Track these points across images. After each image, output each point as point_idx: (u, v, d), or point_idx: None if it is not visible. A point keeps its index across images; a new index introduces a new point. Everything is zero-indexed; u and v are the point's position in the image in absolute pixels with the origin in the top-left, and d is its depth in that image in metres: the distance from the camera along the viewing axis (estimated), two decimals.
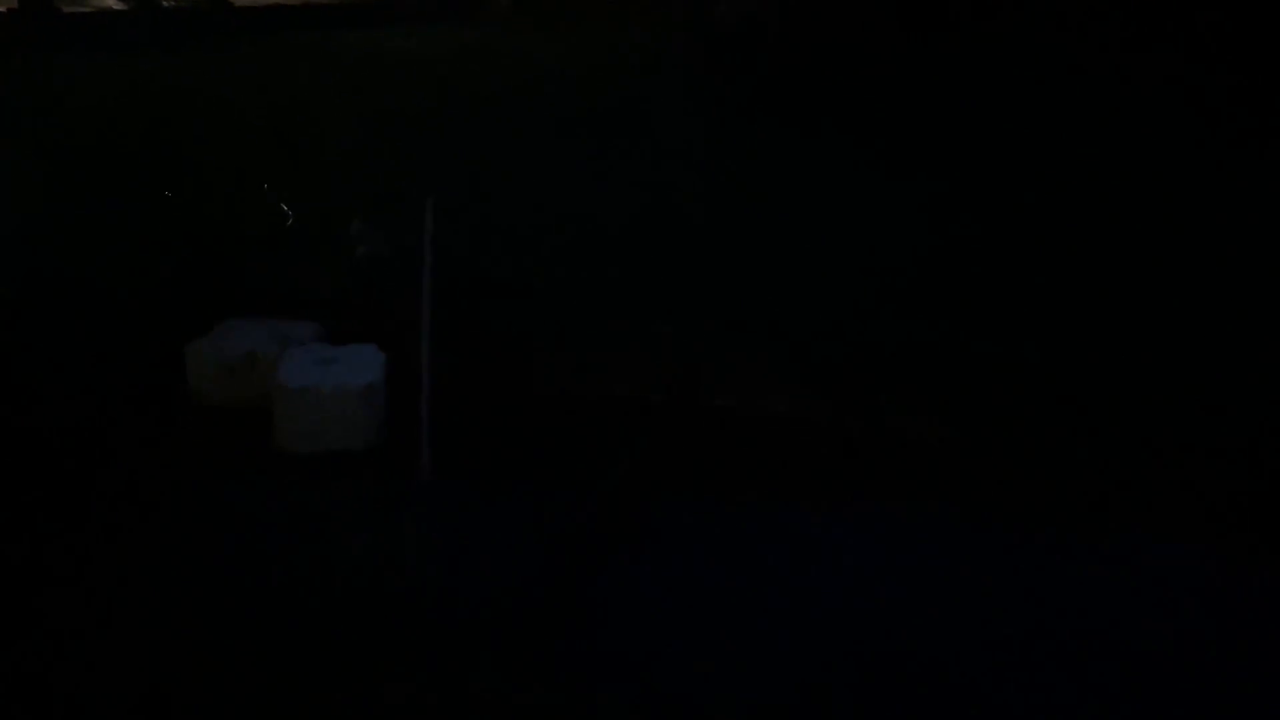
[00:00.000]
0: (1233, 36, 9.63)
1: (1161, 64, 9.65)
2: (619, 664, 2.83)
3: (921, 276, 5.30)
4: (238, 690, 2.64)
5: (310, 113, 9.39)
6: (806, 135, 8.17)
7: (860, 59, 11.20)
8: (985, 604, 3.16)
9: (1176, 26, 10.07)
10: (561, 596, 3.13)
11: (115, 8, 15.14)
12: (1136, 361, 4.55)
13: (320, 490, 3.65)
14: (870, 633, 2.99)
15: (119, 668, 2.71)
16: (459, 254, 4.57)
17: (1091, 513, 3.70)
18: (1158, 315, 4.98)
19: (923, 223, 6.05)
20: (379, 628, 2.89)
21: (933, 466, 3.91)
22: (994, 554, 3.44)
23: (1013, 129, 8.25)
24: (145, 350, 4.24)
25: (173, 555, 3.26)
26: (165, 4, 15.72)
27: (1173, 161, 7.35)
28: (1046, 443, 4.11)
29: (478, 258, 4.99)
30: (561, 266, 5.24)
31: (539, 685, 2.72)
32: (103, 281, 4.74)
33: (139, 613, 2.92)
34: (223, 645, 2.79)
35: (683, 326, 4.69)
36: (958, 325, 4.73)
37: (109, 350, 4.23)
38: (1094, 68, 9.98)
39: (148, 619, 2.89)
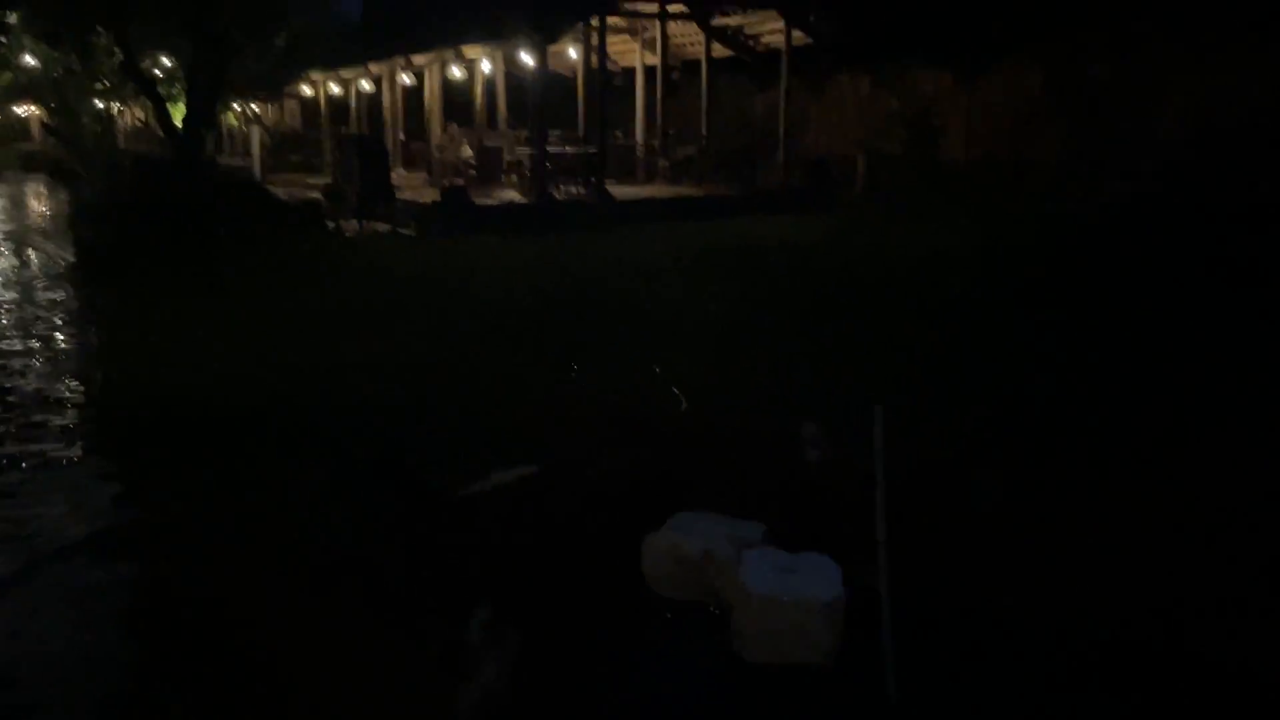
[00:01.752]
0: None
1: None
2: None
3: None
4: None
5: (703, 297, 9.93)
6: None
7: None
8: None
9: None
10: None
11: (519, 201, 17.20)
12: None
13: (788, 703, 3.52)
14: None
15: None
16: (905, 465, 4.40)
17: None
18: None
19: None
20: None
21: None
22: None
23: None
24: (601, 536, 4.38)
25: None
26: (557, 196, 17.64)
27: None
28: None
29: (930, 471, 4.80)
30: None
31: None
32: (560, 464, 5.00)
33: None
34: None
35: None
36: None
37: (569, 531, 4.40)
38: None
39: None
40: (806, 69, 21.23)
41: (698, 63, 22.91)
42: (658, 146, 21.01)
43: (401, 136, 24.16)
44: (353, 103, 26.18)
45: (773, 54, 21.21)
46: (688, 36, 22.10)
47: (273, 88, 31.88)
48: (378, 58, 22.95)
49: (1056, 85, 19.13)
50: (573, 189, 18.23)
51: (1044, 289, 9.88)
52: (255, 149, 24.90)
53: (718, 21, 20.19)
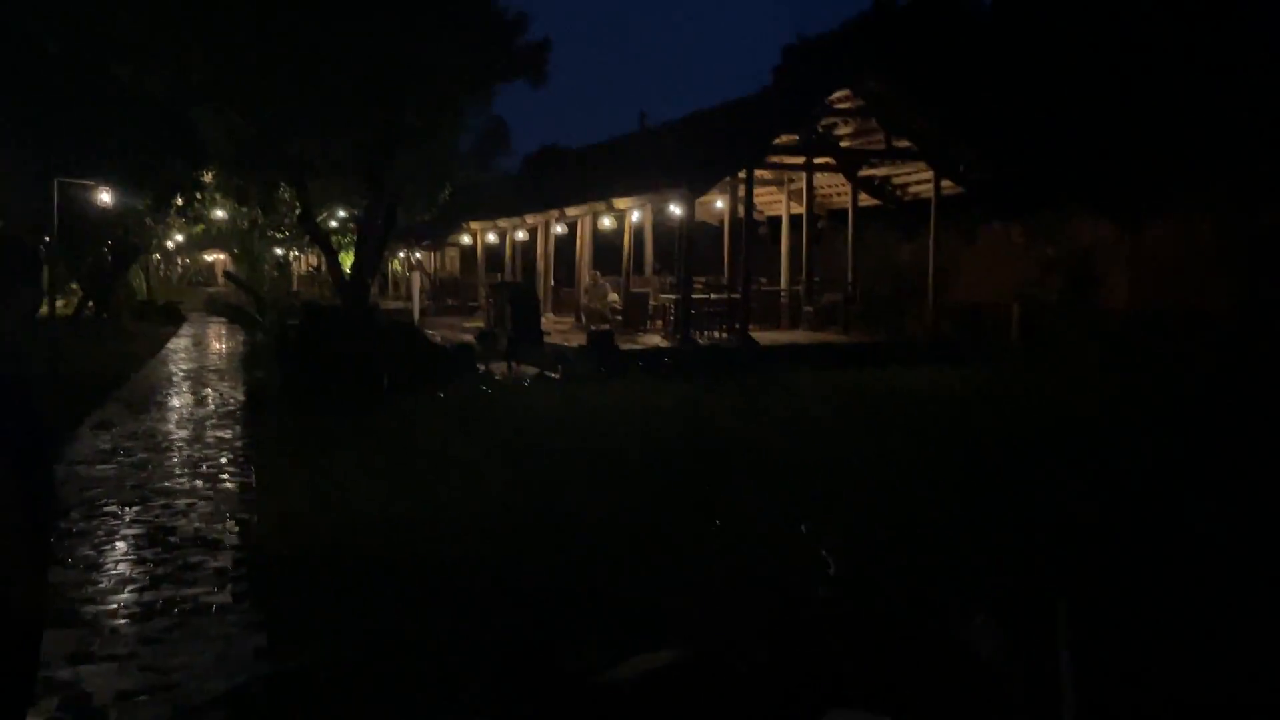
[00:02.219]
0: None
1: None
2: None
3: None
4: None
5: (850, 451, 9.57)
6: None
7: None
8: None
9: None
10: None
11: (664, 345, 17.39)
12: None
13: None
14: None
15: None
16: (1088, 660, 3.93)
17: None
18: None
19: None
20: None
21: None
22: None
23: None
24: None
25: None
26: (700, 341, 17.73)
27: None
28: None
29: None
30: None
31: None
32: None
33: None
34: None
35: None
36: None
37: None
38: None
39: None
40: (955, 217, 21.00)
41: (843, 211, 23.06)
42: (802, 293, 20.98)
43: (552, 282, 25.00)
44: (508, 250, 27.37)
45: (920, 202, 21.15)
46: (833, 186, 22.31)
47: (435, 237, 33.85)
48: (533, 209, 24.01)
49: (1227, 234, 18.24)
50: (716, 334, 18.31)
51: (1232, 451, 9.10)
52: (416, 294, 26.21)
53: (864, 172, 20.33)
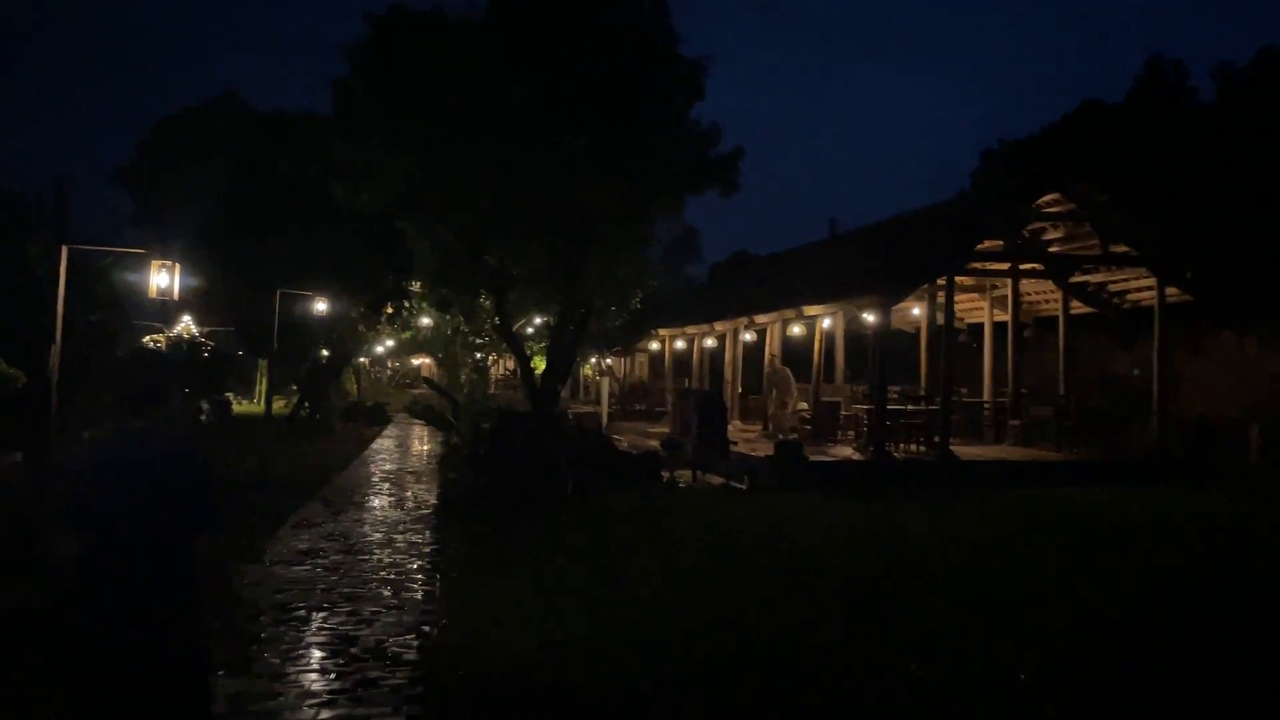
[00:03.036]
0: None
1: None
2: None
3: None
4: None
5: (1068, 589, 8.56)
6: None
7: None
8: None
9: None
10: None
11: (855, 458, 16.59)
12: None
13: None
14: None
15: None
16: None
17: None
18: None
19: None
20: None
21: None
22: None
23: None
24: None
25: None
26: (895, 455, 16.79)
27: None
28: None
29: None
30: None
31: None
32: None
33: None
34: None
35: None
36: None
37: None
38: None
39: None
40: (1177, 325, 19.27)
41: (1050, 319, 21.70)
42: (1008, 405, 19.70)
43: (739, 389, 24.66)
44: (695, 356, 27.32)
45: (1140, 310, 19.65)
46: (1041, 293, 21.10)
47: (625, 342, 34.37)
48: (722, 316, 23.93)
49: None
50: (913, 447, 17.35)
51: None
52: (604, 399, 26.43)
53: (1076, 278, 19.08)
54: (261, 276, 19.07)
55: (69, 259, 9.69)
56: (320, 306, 18.86)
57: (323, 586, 8.48)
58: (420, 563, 9.64)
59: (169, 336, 28.38)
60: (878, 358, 17.08)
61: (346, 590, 8.35)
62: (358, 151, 14.53)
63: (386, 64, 13.91)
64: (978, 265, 18.55)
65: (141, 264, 11.43)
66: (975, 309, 22.26)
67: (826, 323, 21.18)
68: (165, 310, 23.78)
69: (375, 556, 9.90)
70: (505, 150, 13.93)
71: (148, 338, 26.42)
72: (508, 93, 13.97)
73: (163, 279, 11.20)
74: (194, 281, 13.47)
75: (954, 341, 20.91)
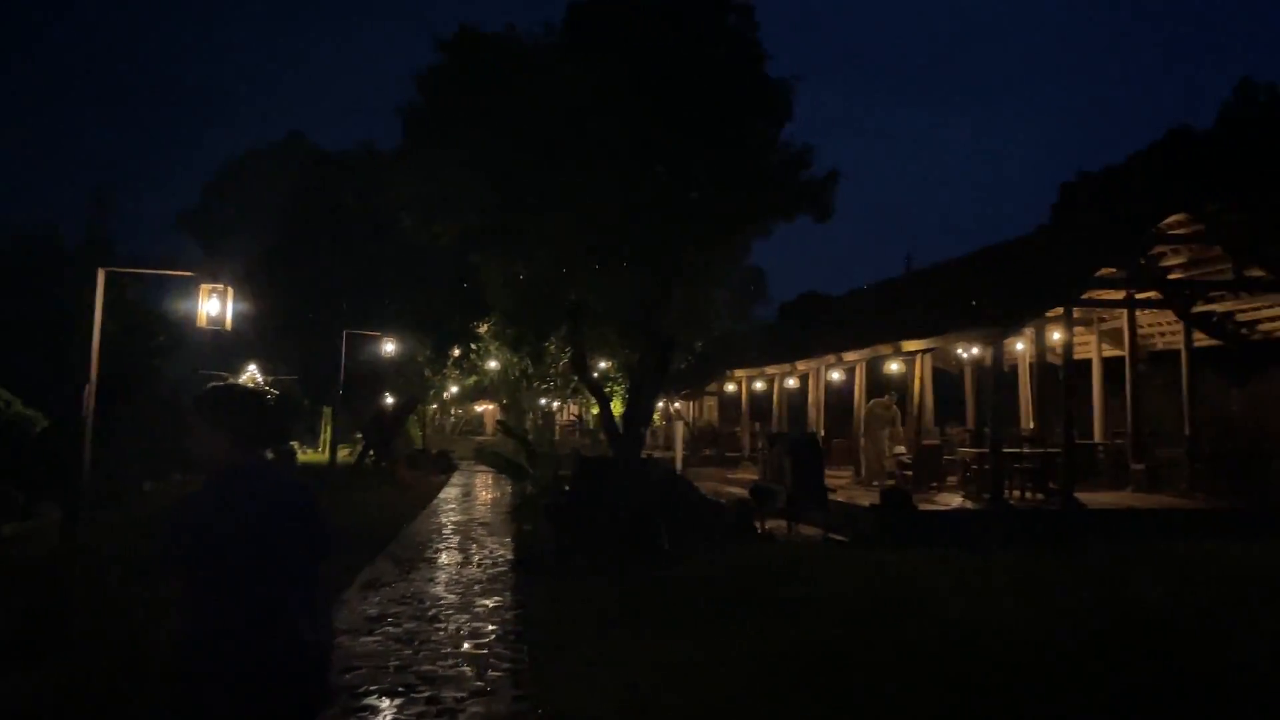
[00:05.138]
0: None
1: None
2: None
3: None
4: None
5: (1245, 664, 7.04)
6: None
7: None
8: None
9: None
10: None
11: (968, 507, 15.09)
12: None
13: None
14: None
15: None
16: None
17: None
18: None
19: None
20: None
21: None
22: None
23: None
24: None
25: None
26: (1011, 504, 15.27)
27: None
28: None
29: None
30: None
31: None
32: None
33: None
34: None
35: None
36: None
37: None
38: None
39: None
40: None
41: (1165, 353, 20.06)
42: (1128, 447, 18.03)
43: (821, 432, 23.22)
44: (775, 398, 25.96)
45: (1269, 343, 17.98)
46: (1154, 325, 19.48)
47: (691, 385, 33.17)
48: (806, 355, 22.60)
49: None
50: (1026, 494, 15.79)
51: None
52: (678, 444, 25.18)
53: (1200, 308, 17.44)
54: (326, 320, 18.33)
55: (107, 284, 8.75)
56: (388, 348, 17.98)
57: (396, 662, 7.32)
58: (503, 631, 8.46)
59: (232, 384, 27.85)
60: (991, 398, 15.64)
61: (423, 669, 7.17)
62: (429, 182, 13.65)
63: (459, 87, 13.05)
64: (1091, 295, 17.05)
65: (190, 290, 10.34)
66: (1082, 344, 20.63)
67: (921, 361, 19.79)
68: (224, 356, 23.18)
69: (452, 624, 8.74)
70: (585, 177, 12.94)
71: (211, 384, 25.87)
72: (586, 117, 13.01)
73: (213, 305, 10.21)
74: (244, 307, 12.34)
75: (1072, 378, 19.36)
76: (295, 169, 22.27)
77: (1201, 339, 18.30)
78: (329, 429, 31.31)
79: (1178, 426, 18.23)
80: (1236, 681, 6.64)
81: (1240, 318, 17.88)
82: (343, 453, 32.31)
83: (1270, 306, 16.88)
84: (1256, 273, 15.74)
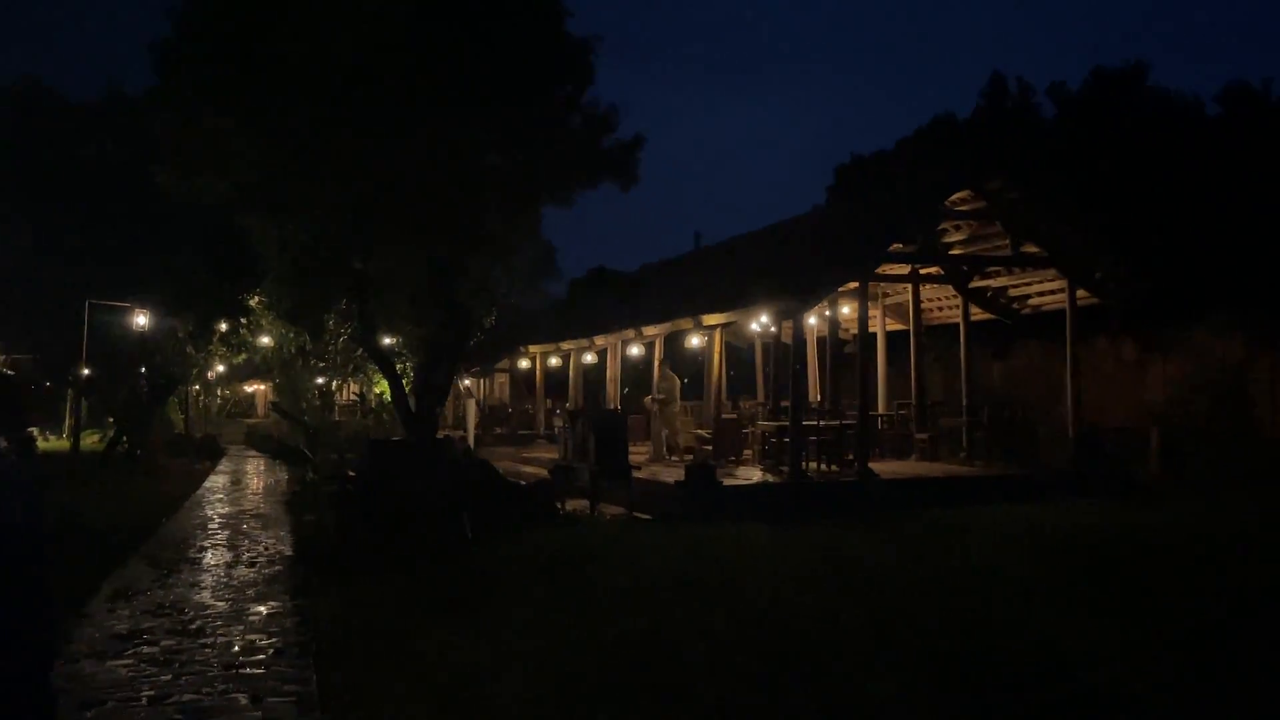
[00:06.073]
0: None
1: None
2: None
3: None
4: None
5: (1069, 632, 7.11)
6: None
7: None
8: None
9: None
10: None
11: (770, 480, 15.05)
12: None
13: None
14: None
15: None
16: None
17: None
18: None
19: None
20: None
21: None
22: None
23: None
24: None
25: None
26: (810, 477, 15.37)
27: None
28: None
29: None
30: None
31: None
32: None
33: None
34: None
35: None
36: None
37: None
38: None
39: None
40: (1056, 332, 18.44)
41: (937, 328, 21.02)
42: (911, 418, 18.69)
43: (619, 408, 22.87)
44: (571, 374, 25.39)
45: (1037, 317, 19.12)
46: (935, 300, 20.29)
47: (482, 362, 32.10)
48: (605, 330, 22.11)
49: None
50: (821, 466, 15.95)
51: None
52: (470, 423, 24.16)
53: (977, 283, 18.26)
54: (66, 291, 16.00)
55: None
56: (140, 321, 15.92)
57: (150, 692, 6.11)
58: (284, 643, 7.34)
59: None
60: (791, 370, 15.67)
61: (185, 698, 6.01)
62: (187, 131, 11.98)
63: (220, 19, 11.45)
64: (883, 269, 17.47)
65: None
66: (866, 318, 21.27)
67: (697, 339, 19.81)
68: None
69: (222, 638, 7.52)
70: (367, 129, 11.72)
71: None
72: (368, 60, 11.75)
73: None
74: None
75: (841, 353, 19.85)
76: (24, 117, 19.39)
77: (978, 313, 19.20)
78: (74, 413, 27.98)
79: (955, 397, 19.09)
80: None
81: (1012, 292, 18.87)
82: (92, 439, 29.01)
83: (1040, 281, 17.86)
84: (1031, 249, 16.56)
